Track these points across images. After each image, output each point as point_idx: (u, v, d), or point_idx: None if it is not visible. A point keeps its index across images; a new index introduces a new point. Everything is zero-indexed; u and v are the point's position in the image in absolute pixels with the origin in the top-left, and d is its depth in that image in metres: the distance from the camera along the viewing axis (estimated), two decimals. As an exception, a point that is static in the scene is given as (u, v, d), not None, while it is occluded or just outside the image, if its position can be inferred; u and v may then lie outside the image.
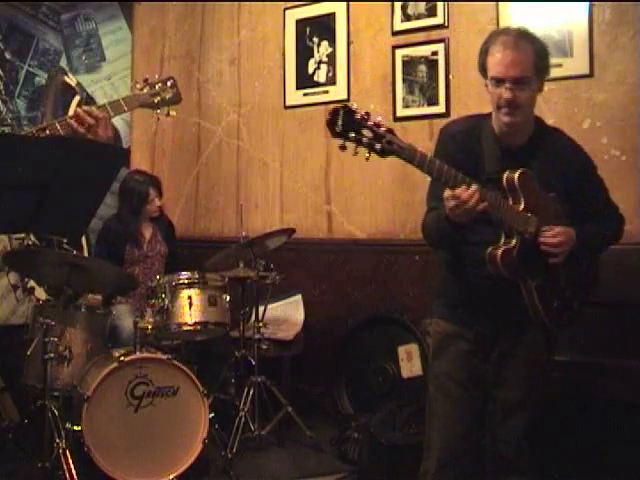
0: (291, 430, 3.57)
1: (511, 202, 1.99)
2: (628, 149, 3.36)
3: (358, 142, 1.71)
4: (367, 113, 1.72)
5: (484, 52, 2.04)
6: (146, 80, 2.34)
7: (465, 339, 2.13)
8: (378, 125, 1.73)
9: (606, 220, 2.22)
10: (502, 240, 1.99)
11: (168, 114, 2.37)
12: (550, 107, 3.55)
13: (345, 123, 1.69)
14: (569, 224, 2.06)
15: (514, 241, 1.98)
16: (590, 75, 3.44)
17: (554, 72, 3.47)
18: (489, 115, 2.15)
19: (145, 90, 2.32)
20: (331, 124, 1.70)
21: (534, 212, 2.00)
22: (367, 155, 1.74)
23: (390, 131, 1.75)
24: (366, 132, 1.71)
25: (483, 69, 2.05)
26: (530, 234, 1.99)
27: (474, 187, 1.83)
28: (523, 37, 2.02)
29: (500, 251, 1.96)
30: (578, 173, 2.13)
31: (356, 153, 1.73)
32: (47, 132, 2.23)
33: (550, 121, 3.55)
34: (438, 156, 2.02)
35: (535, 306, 2.04)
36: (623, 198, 3.33)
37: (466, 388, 2.14)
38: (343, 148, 1.72)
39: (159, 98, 2.33)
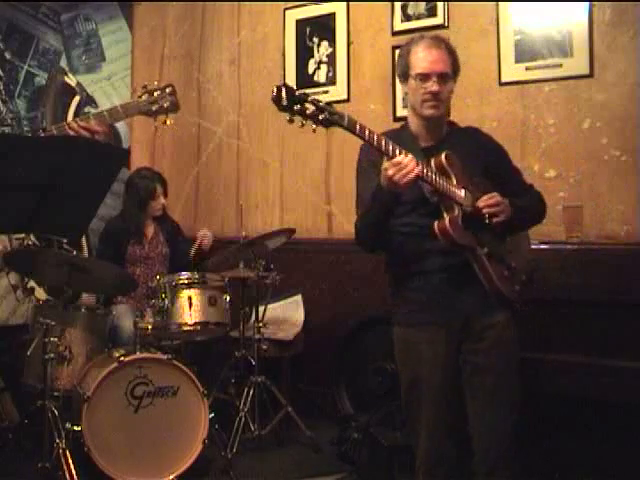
0: (291, 430, 3.57)
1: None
2: (628, 149, 3.36)
3: (303, 114, 1.89)
4: (305, 92, 1.93)
5: (405, 54, 2.22)
6: (145, 87, 2.34)
7: (437, 341, 2.16)
8: (318, 100, 1.91)
9: (528, 195, 2.35)
10: (444, 214, 2.11)
11: (165, 122, 2.38)
12: (550, 107, 3.55)
13: (289, 98, 1.88)
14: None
15: (456, 211, 2.10)
16: (590, 75, 3.44)
17: (554, 72, 3.53)
18: (402, 126, 2.32)
19: (144, 97, 2.33)
20: (277, 100, 1.88)
21: (466, 189, 2.14)
22: (313, 127, 1.92)
23: (329, 104, 1.93)
24: (309, 105, 1.90)
25: (405, 69, 2.20)
26: (469, 206, 2.12)
27: (410, 155, 1.99)
28: (440, 40, 2.23)
29: (447, 220, 2.08)
30: (493, 156, 2.30)
31: (302, 125, 1.91)
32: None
33: (550, 121, 3.59)
34: (365, 168, 2.23)
35: (489, 274, 2.13)
36: (623, 198, 3.36)
37: (444, 390, 2.18)
38: (291, 121, 1.90)
39: (157, 106, 2.34)
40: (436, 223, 2.08)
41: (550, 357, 2.85)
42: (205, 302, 3.28)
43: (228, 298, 3.40)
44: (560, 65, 3.51)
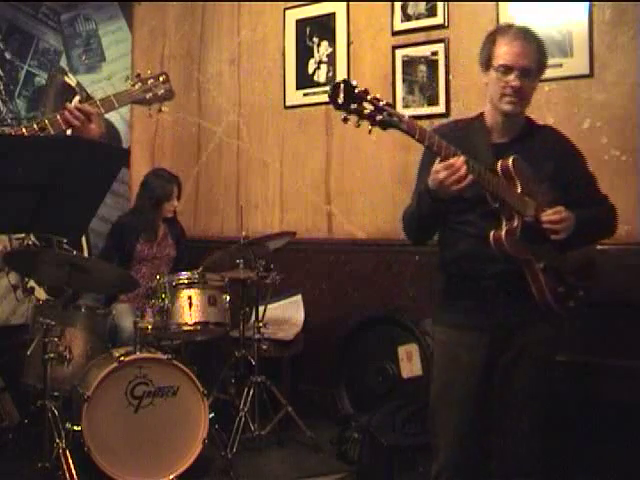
0: (291, 430, 3.57)
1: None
2: (628, 149, 3.36)
3: (359, 114, 1.77)
4: (366, 89, 1.79)
5: (491, 42, 2.09)
6: (138, 76, 2.33)
7: (479, 348, 2.10)
8: (378, 99, 1.79)
9: (599, 208, 2.26)
10: (504, 224, 2.02)
11: (160, 110, 2.36)
12: (550, 107, 3.55)
13: (347, 96, 1.75)
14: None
15: (516, 222, 2.01)
16: (590, 75, 3.44)
17: (554, 72, 3.52)
18: (479, 114, 2.21)
19: (137, 86, 2.32)
20: (333, 97, 1.76)
21: (531, 197, 2.04)
22: (369, 127, 1.81)
23: (389, 104, 1.82)
24: (367, 105, 1.77)
25: (488, 59, 2.09)
26: (530, 217, 2.02)
27: (462, 157, 1.88)
28: (529, 32, 2.09)
29: (504, 231, 1.99)
30: (566, 161, 2.18)
31: (358, 125, 1.79)
32: (36, 128, 2.22)
33: (550, 121, 3.58)
34: (425, 156, 2.12)
35: (542, 290, 2.05)
36: (623, 198, 3.34)
37: (476, 397, 2.12)
38: (346, 120, 1.78)
39: (151, 94, 2.32)
40: (492, 233, 1.99)
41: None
42: (205, 302, 3.28)
43: (228, 298, 3.40)
44: (560, 65, 3.51)
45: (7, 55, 4.34)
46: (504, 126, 2.12)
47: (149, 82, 2.32)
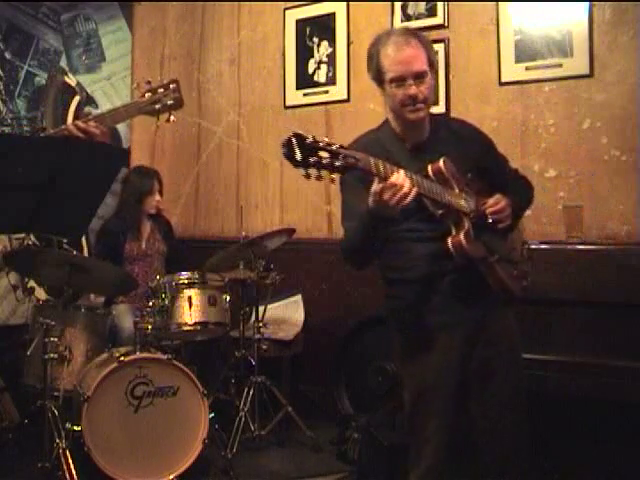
0: (291, 430, 3.57)
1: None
2: (628, 149, 3.36)
3: (319, 165, 1.68)
4: (314, 137, 1.70)
5: (375, 55, 2.04)
6: (149, 83, 2.27)
7: (451, 347, 2.06)
8: (330, 144, 1.70)
9: (519, 183, 2.28)
10: (453, 229, 2.01)
11: (168, 120, 2.31)
12: (550, 107, 3.55)
13: (302, 150, 1.67)
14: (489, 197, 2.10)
15: (466, 224, 2.00)
16: (590, 75, 3.44)
17: (554, 72, 3.53)
18: (384, 123, 2.18)
19: (147, 96, 2.26)
20: (290, 156, 1.66)
21: (467, 193, 2.05)
22: (332, 177, 1.72)
23: (342, 146, 1.73)
24: (323, 153, 1.68)
25: (378, 73, 2.05)
26: (475, 213, 2.03)
27: (402, 171, 1.82)
28: (410, 34, 2.05)
29: (462, 235, 1.97)
30: (482, 149, 2.20)
31: (319, 178, 1.69)
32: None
33: (550, 121, 3.59)
34: (352, 178, 2.02)
35: (501, 281, 2.06)
36: (623, 198, 3.36)
37: (456, 397, 2.08)
38: (308, 176, 1.68)
39: (160, 105, 2.26)
40: (450, 240, 1.97)
41: (550, 358, 2.85)
42: (205, 302, 3.28)
43: (228, 298, 3.40)
44: (560, 65, 3.51)
45: (7, 55, 4.35)
46: (412, 131, 2.10)
47: (159, 91, 2.26)
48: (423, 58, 2.01)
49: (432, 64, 2.05)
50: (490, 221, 2.05)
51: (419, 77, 2.00)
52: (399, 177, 1.79)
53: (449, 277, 2.06)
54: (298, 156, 1.66)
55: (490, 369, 2.09)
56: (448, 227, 2.01)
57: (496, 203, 2.06)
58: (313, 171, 1.68)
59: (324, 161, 1.68)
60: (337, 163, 1.69)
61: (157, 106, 2.25)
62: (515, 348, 2.16)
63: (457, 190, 2.02)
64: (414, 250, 2.08)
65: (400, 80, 1.99)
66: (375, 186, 1.82)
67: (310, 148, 1.67)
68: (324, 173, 1.69)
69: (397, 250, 2.11)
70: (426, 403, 2.10)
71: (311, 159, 1.67)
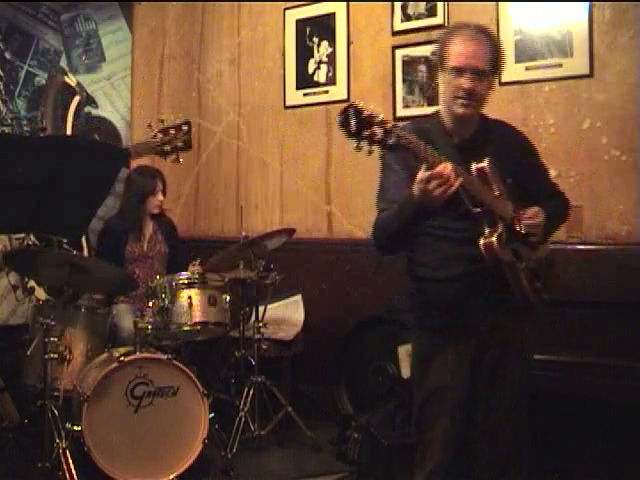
0: (291, 430, 3.57)
1: None
2: (628, 149, 3.36)
3: (371, 140, 1.71)
4: (372, 112, 1.73)
5: (443, 42, 2.05)
6: (162, 122, 2.26)
7: (465, 350, 2.07)
8: (385, 122, 1.73)
9: (556, 198, 2.27)
10: (486, 230, 1.99)
11: (176, 161, 2.31)
12: (550, 107, 3.56)
13: (357, 122, 1.70)
14: (527, 206, 2.09)
15: (500, 227, 1.98)
16: (590, 75, 3.44)
17: (554, 72, 3.53)
18: (435, 114, 2.18)
19: (158, 137, 2.26)
20: (345, 125, 1.71)
21: (506, 198, 2.03)
22: (381, 152, 1.77)
23: (396, 125, 1.76)
24: (376, 129, 1.71)
25: (441, 60, 2.05)
26: (510, 219, 2.02)
27: (452, 165, 1.83)
28: (483, 32, 2.05)
29: (495, 238, 1.96)
30: (526, 157, 2.20)
31: (370, 152, 1.73)
32: None
33: (550, 121, 3.59)
34: (393, 158, 2.07)
35: (523, 291, 2.05)
36: (623, 198, 3.36)
37: (466, 400, 2.10)
38: (359, 149, 1.72)
39: (170, 147, 2.27)
40: (482, 240, 1.96)
41: (550, 357, 2.85)
42: (205, 302, 3.28)
43: (228, 298, 3.40)
44: (560, 65, 3.51)
45: (7, 55, 4.35)
46: (460, 126, 2.10)
47: (170, 132, 2.26)
48: (486, 57, 2.01)
49: (495, 67, 2.05)
50: (523, 232, 2.03)
51: (477, 73, 2.00)
52: (447, 167, 1.80)
53: (474, 280, 2.04)
54: (353, 127, 1.70)
55: (497, 373, 2.10)
56: (480, 228, 1.99)
57: (534, 216, 2.05)
58: (364, 144, 1.71)
59: (377, 137, 1.70)
60: (390, 141, 1.71)
61: (167, 148, 2.26)
62: (524, 354, 2.16)
63: (497, 193, 2.01)
64: (444, 249, 2.08)
65: (458, 71, 2.00)
66: (421, 174, 1.83)
67: (365, 122, 1.70)
68: (375, 148, 1.73)
69: (426, 246, 2.11)
70: (436, 403, 2.11)
71: (365, 132, 1.69)
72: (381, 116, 1.72)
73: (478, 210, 1.96)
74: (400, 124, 1.84)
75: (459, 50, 2.00)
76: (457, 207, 1.95)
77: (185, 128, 2.28)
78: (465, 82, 1.99)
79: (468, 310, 2.07)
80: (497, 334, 2.09)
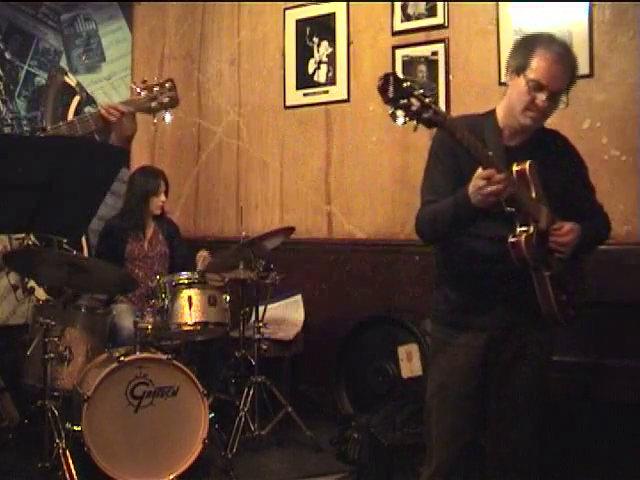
0: (291, 430, 3.57)
1: None
2: (628, 149, 3.36)
3: (407, 110, 1.72)
4: (412, 84, 1.75)
5: (529, 50, 2.02)
6: (144, 82, 2.32)
7: (476, 348, 2.08)
8: (424, 95, 1.74)
9: (597, 219, 2.24)
10: (518, 229, 1.99)
11: (164, 119, 2.36)
12: (550, 107, 3.55)
13: (395, 90, 1.71)
14: (563, 220, 2.07)
15: (531, 229, 1.98)
16: (590, 75, 3.44)
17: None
18: (490, 112, 2.16)
19: (143, 94, 2.31)
20: (383, 90, 1.72)
21: (543, 204, 2.03)
22: (415, 125, 1.75)
23: (434, 102, 1.77)
24: (414, 101, 1.72)
25: (521, 66, 2.02)
26: (544, 225, 2.01)
27: (505, 174, 1.85)
28: (569, 52, 2.05)
29: (523, 237, 1.96)
30: (574, 170, 2.18)
31: (405, 122, 1.74)
32: (77, 127, 2.26)
33: (550, 121, 3.58)
34: (442, 150, 2.07)
35: (548, 298, 2.03)
36: (623, 198, 3.36)
37: (473, 398, 2.10)
38: (394, 117, 1.73)
39: (156, 103, 2.31)
40: (511, 238, 1.97)
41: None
42: (205, 302, 3.28)
43: (228, 298, 3.40)
44: (560, 65, 3.51)
45: (7, 55, 4.35)
46: (517, 132, 2.10)
47: (154, 90, 2.31)
48: (566, 82, 2.02)
49: (569, 88, 2.06)
50: (549, 244, 2.02)
51: (556, 95, 2.01)
52: (497, 175, 1.82)
53: (499, 279, 2.04)
54: (391, 93, 1.71)
55: (511, 375, 2.10)
56: (512, 227, 1.99)
57: (566, 233, 2.02)
58: (400, 113, 1.72)
59: (413, 107, 1.72)
60: (425, 115, 1.73)
61: (153, 104, 2.30)
62: (542, 360, 2.15)
63: (534, 196, 2.01)
64: (473, 247, 2.07)
65: (538, 86, 1.99)
66: (478, 172, 1.86)
67: (404, 91, 1.72)
68: (409, 120, 1.73)
69: (454, 243, 2.11)
70: (444, 399, 2.13)
71: (402, 101, 1.71)
72: (421, 90, 1.75)
73: (511, 209, 1.97)
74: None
75: (546, 67, 1.98)
76: (493, 206, 1.95)
77: (169, 85, 2.33)
78: (541, 100, 1.99)
79: (488, 308, 2.07)
80: (512, 339, 2.09)
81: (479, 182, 1.85)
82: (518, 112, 2.04)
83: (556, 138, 2.23)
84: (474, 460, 2.17)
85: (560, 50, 2.01)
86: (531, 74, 1.99)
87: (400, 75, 1.74)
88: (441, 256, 2.21)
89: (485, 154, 1.86)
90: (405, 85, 1.72)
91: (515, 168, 2.00)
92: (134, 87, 2.36)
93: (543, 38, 2.04)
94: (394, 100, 1.71)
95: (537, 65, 1.99)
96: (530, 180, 2.00)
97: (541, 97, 1.99)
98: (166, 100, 2.32)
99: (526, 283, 2.03)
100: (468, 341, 2.09)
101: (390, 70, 3.95)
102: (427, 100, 1.74)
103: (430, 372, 2.23)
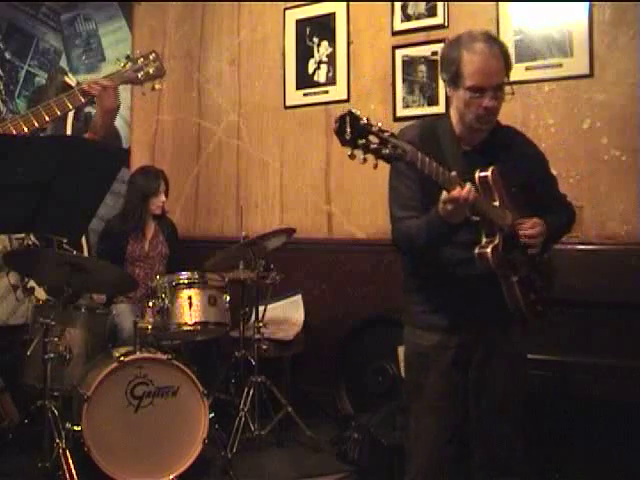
0: (291, 430, 3.57)
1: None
2: (628, 149, 3.36)
3: (366, 149, 1.69)
4: (368, 120, 1.71)
5: (456, 58, 1.99)
6: (128, 57, 2.36)
7: (448, 348, 2.09)
8: (382, 130, 1.71)
9: (562, 210, 2.25)
10: (484, 239, 1.99)
11: (153, 88, 2.41)
12: (550, 107, 3.55)
13: (353, 130, 1.67)
14: (531, 216, 2.07)
15: (497, 238, 1.98)
16: (590, 75, 3.44)
17: (554, 72, 3.53)
18: (444, 117, 2.15)
19: (128, 66, 2.34)
20: (340, 132, 1.68)
21: (507, 208, 2.02)
22: (375, 162, 1.72)
23: (393, 135, 1.74)
24: (372, 138, 1.69)
25: (455, 77, 2.00)
26: (507, 229, 2.01)
27: (469, 185, 1.84)
28: (494, 42, 2.01)
29: (490, 249, 1.96)
30: (535, 167, 2.19)
31: (364, 160, 1.70)
32: (55, 109, 2.28)
33: (550, 121, 3.59)
34: (402, 170, 2.03)
35: (517, 301, 2.04)
36: (623, 198, 3.36)
37: (450, 398, 2.10)
38: (353, 157, 1.69)
39: (142, 73, 2.35)
40: (477, 250, 1.97)
41: (550, 357, 2.85)
42: (205, 302, 3.28)
43: (228, 298, 3.40)
44: (560, 65, 3.51)
45: (7, 55, 4.34)
46: (473, 135, 2.08)
47: (139, 61, 2.35)
48: (502, 70, 1.99)
49: (508, 75, 2.03)
50: (520, 243, 2.03)
51: (497, 89, 1.98)
52: (461, 192, 1.82)
53: (473, 283, 2.04)
54: (348, 135, 1.67)
55: (485, 374, 2.10)
56: (478, 237, 1.99)
57: (531, 227, 2.03)
58: (359, 153, 1.69)
59: (372, 146, 1.68)
60: (384, 151, 1.70)
61: (139, 75, 2.34)
62: (515, 356, 2.16)
63: (497, 202, 2.00)
64: (443, 252, 2.07)
65: (479, 90, 1.97)
66: (443, 195, 1.85)
67: (361, 130, 1.68)
68: (369, 157, 1.70)
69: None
70: (420, 398, 2.13)
71: (360, 141, 1.68)
72: (379, 125, 1.70)
73: (477, 219, 1.96)
74: (406, 123, 1.80)
75: (478, 68, 1.95)
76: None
77: (152, 56, 2.40)
78: (488, 102, 1.97)
79: (458, 310, 2.08)
80: (485, 336, 2.10)
81: (447, 207, 1.85)
82: (471, 120, 2.02)
83: (513, 134, 2.22)
84: (458, 460, 2.16)
85: (484, 45, 1.97)
86: (467, 82, 1.97)
87: (356, 112, 1.69)
88: (410, 259, 2.20)
89: (447, 177, 1.83)
90: (362, 123, 1.68)
91: (478, 175, 1.98)
92: (118, 61, 2.42)
93: (464, 40, 2.01)
94: (352, 141, 1.68)
95: (468, 71, 1.96)
96: (493, 187, 1.99)
97: (486, 100, 1.97)
98: (152, 70, 2.37)
99: (495, 285, 2.03)
100: (439, 342, 2.09)
101: (390, 70, 3.96)
102: (385, 135, 1.70)
103: (406, 374, 2.23)
